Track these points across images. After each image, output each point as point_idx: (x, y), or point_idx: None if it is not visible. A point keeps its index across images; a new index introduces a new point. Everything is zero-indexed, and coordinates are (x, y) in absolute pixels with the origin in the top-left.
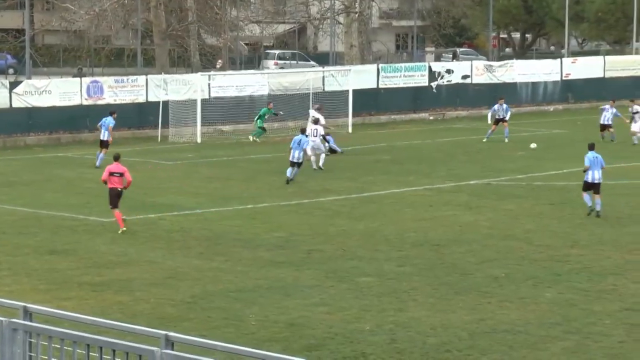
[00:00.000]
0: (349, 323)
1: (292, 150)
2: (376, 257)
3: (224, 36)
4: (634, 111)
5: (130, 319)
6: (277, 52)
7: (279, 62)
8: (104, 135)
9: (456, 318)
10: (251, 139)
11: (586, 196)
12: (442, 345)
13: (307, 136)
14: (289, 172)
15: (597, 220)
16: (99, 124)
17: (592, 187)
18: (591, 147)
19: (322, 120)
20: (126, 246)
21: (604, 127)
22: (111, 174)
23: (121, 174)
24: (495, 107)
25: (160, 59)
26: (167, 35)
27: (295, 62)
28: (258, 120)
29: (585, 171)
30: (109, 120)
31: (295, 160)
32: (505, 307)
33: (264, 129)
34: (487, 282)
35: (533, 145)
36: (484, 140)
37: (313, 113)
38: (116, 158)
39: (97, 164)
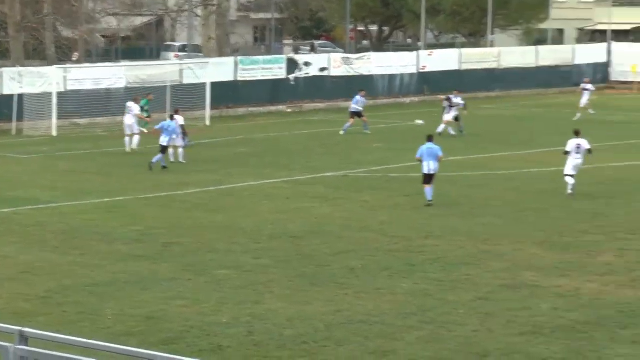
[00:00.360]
0: (206, 316)
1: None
2: (233, 249)
3: (81, 28)
4: (449, 103)
5: None
6: (177, 44)
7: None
8: (164, 141)
9: (313, 309)
10: (145, 131)
11: (427, 189)
12: (299, 337)
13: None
14: (155, 158)
15: (451, 211)
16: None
17: (429, 178)
18: (428, 139)
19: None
20: None
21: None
22: None
23: None
24: (358, 98)
25: (15, 51)
26: (22, 28)
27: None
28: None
29: (420, 162)
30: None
31: (164, 144)
32: (362, 298)
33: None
34: (344, 274)
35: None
36: (341, 133)
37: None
38: None
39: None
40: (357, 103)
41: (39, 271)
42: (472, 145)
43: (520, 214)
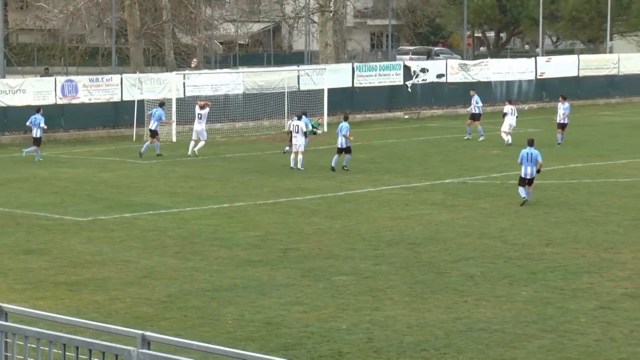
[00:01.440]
0: (326, 322)
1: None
2: (352, 255)
3: (199, 35)
4: (505, 111)
5: (106, 318)
6: (410, 48)
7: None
8: (153, 125)
9: (432, 316)
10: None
11: (521, 189)
12: (419, 344)
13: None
14: (334, 160)
15: (572, 218)
16: (149, 112)
17: (525, 182)
18: (529, 143)
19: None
20: (102, 245)
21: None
22: None
23: None
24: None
25: (135, 58)
26: (142, 34)
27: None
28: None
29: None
30: (160, 112)
31: (340, 147)
32: (481, 306)
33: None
34: (463, 281)
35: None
36: (466, 138)
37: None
38: None
39: (142, 150)
40: (478, 103)
41: (159, 276)
42: (593, 152)
43: None
